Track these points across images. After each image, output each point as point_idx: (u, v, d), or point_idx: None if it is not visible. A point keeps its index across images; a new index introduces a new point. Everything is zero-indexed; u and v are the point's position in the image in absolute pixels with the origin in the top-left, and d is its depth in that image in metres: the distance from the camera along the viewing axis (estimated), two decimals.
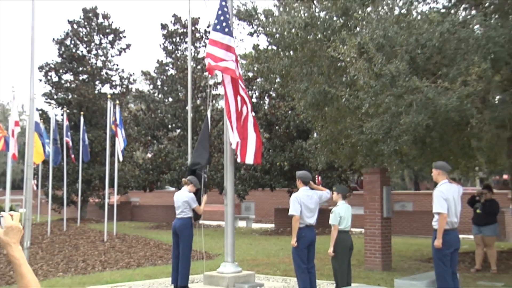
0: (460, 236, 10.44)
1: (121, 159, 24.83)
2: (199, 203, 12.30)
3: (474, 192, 18.07)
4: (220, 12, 11.93)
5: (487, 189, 16.38)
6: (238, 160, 12.09)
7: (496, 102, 14.16)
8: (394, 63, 12.30)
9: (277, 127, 30.26)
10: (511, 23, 13.14)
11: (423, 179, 50.18)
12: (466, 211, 13.10)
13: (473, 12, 15.29)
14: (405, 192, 43.13)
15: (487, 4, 15.34)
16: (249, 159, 11.91)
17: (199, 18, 36.36)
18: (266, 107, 31.46)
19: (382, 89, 12.58)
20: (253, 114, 12.36)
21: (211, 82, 34.82)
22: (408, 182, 55.09)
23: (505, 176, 37.98)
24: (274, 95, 30.90)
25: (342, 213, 10.99)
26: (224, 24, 11.79)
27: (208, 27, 35.90)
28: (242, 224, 35.22)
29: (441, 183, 10.08)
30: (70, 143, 27.28)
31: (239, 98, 11.95)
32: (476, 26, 13.31)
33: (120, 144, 23.93)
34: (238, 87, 11.86)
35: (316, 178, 27.78)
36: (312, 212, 10.48)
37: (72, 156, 27.28)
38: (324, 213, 14.45)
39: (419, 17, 13.82)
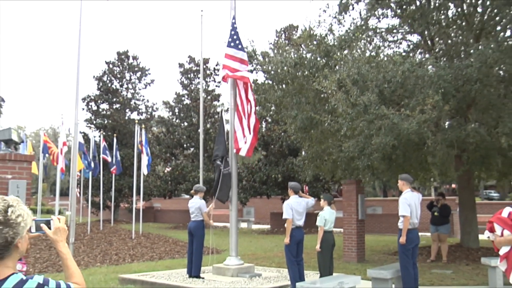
0: (420, 233, 10.44)
1: (146, 172, 24.78)
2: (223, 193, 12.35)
3: (432, 198, 18.09)
4: (233, 32, 12.04)
5: (442, 196, 16.43)
6: (244, 154, 12.18)
7: (446, 126, 14.22)
8: (366, 95, 12.37)
9: (272, 146, 30.29)
10: (456, 64, 13.25)
11: (390, 188, 50.12)
12: (424, 214, 13.09)
13: (427, 55, 15.43)
14: (376, 198, 43.01)
15: (437, 50, 15.50)
16: (243, 152, 11.98)
17: (209, 58, 36.52)
18: (263, 130, 31.47)
19: (357, 116, 12.63)
20: (256, 116, 12.41)
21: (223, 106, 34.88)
22: (378, 191, 55.05)
23: (453, 185, 37.97)
24: (270, 120, 30.92)
25: (327, 216, 11.00)
26: (237, 42, 11.93)
27: (216, 65, 36.02)
28: (244, 225, 35.07)
29: (405, 191, 10.09)
30: (109, 159, 27.26)
31: (249, 101, 12.11)
32: (430, 67, 13.45)
33: (145, 160, 24.06)
34: (248, 92, 12.00)
35: (304, 188, 27.72)
36: (301, 215, 10.50)
37: (113, 168, 27.18)
38: (310, 216, 14.42)
39: (385, 58, 13.89)
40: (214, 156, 12.76)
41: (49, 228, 2.63)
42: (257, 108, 28.54)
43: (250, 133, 12.08)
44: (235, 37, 12.00)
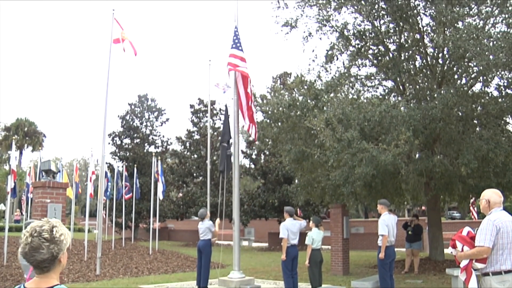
0: (396, 249, 10.49)
1: (161, 197, 24.83)
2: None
3: (406, 219, 18.12)
4: (235, 37, 12.42)
5: (416, 217, 16.47)
6: (252, 136, 12.39)
7: (416, 158, 14.36)
8: (349, 132, 12.54)
9: (270, 175, 30.31)
10: (423, 106, 13.47)
11: (370, 210, 49.97)
12: (400, 232, 13.13)
13: (400, 98, 15.63)
14: (358, 220, 42.85)
15: (408, 94, 15.72)
16: (252, 136, 12.62)
17: (215, 100, 36.73)
18: (262, 161, 31.58)
19: (342, 149, 12.76)
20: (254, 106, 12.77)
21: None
22: (361, 212, 54.84)
23: (423, 207, 37.99)
24: (267, 153, 31.02)
25: (314, 236, 11.07)
26: (238, 44, 12.34)
27: (225, 106, 36.16)
28: (245, 243, 34.80)
29: (384, 214, 10.19)
30: (129, 186, 27.30)
31: (247, 93, 12.34)
32: (402, 108, 13.64)
33: (160, 187, 24.18)
34: (247, 84, 12.29)
35: (297, 211, 27.71)
36: (295, 235, 10.57)
37: (129, 195, 27.21)
38: (303, 236, 14.42)
39: (365, 101, 14.13)
40: (221, 140, 12.93)
41: None
42: (256, 143, 28.66)
43: (250, 121, 12.38)
44: (236, 40, 12.44)
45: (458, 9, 13.18)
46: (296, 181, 24.09)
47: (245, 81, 12.34)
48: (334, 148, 12.80)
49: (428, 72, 15.40)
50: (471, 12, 13.87)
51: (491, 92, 14.64)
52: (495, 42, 12.01)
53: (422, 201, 16.84)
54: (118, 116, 37.23)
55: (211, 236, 12.30)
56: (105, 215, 31.49)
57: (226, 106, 13.01)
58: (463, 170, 12.59)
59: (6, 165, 50.47)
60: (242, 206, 28.95)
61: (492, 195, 5.27)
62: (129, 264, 18.61)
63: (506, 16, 13.02)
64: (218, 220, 13.04)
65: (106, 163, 31.13)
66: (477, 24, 13.18)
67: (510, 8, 12.93)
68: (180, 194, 38.08)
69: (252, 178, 36.19)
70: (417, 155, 14.63)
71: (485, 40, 12.21)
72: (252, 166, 33.67)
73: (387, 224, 9.99)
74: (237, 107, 12.50)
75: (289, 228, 10.44)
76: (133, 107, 37.76)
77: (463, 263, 5.22)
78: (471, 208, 28.99)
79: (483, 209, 5.32)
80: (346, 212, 16.21)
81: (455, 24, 13.36)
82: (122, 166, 30.58)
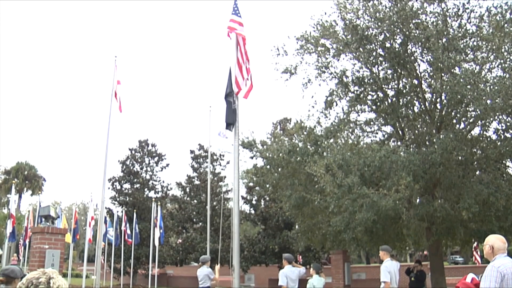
0: None
1: (157, 244, 24.56)
2: None
3: (409, 264, 17.83)
4: (235, 6, 12.62)
5: (418, 263, 16.21)
6: (235, 90, 12.15)
7: (417, 203, 14.28)
8: (350, 177, 12.52)
9: (270, 221, 30.12)
10: (423, 151, 13.52)
11: (372, 256, 49.37)
12: (403, 278, 12.89)
13: (399, 143, 15.67)
14: (360, 265, 42.23)
15: (407, 139, 15.78)
16: (242, 94, 11.88)
17: (215, 146, 36.84)
18: (262, 207, 31.40)
19: (342, 195, 12.72)
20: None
21: (224, 187, 34.82)
22: (362, 258, 54.14)
23: (425, 252, 37.52)
24: (268, 198, 30.88)
25: (315, 283, 10.87)
26: (237, 10, 12.57)
27: (225, 153, 36.29)
28: None
29: (386, 260, 10.05)
30: (128, 232, 27.05)
31: (246, 52, 12.39)
32: (402, 153, 13.66)
33: (157, 233, 24.03)
34: (244, 46, 12.24)
35: (298, 257, 27.36)
36: (294, 282, 10.41)
37: (128, 240, 26.92)
38: (304, 283, 14.16)
39: (365, 146, 14.16)
40: (226, 94, 12.88)
41: None
42: (256, 188, 28.54)
43: (248, 80, 12.36)
44: (235, 7, 12.69)
45: (454, 55, 13.42)
46: (297, 227, 23.89)
47: (244, 42, 12.71)
48: (335, 194, 12.76)
49: (427, 117, 15.52)
50: (467, 58, 14.12)
51: (489, 136, 14.72)
52: (491, 87, 12.18)
53: (424, 246, 16.64)
54: (119, 161, 37.36)
55: (210, 284, 12.08)
56: (104, 260, 31.07)
57: (230, 68, 13.10)
58: (465, 214, 12.52)
59: (5, 208, 50.21)
60: (242, 252, 28.60)
61: (496, 241, 5.21)
62: None
63: (502, 61, 13.25)
64: (218, 266, 12.86)
65: (106, 208, 30.95)
66: (474, 69, 13.40)
67: (505, 53, 13.17)
68: (180, 240, 37.67)
69: (252, 224, 35.93)
70: (417, 200, 14.56)
71: (482, 85, 12.38)
72: (252, 211, 33.48)
73: (389, 270, 9.83)
74: (235, 68, 12.66)
75: (288, 275, 10.29)
76: (133, 152, 37.92)
77: None
78: (474, 252, 28.70)
79: (487, 255, 5.25)
80: (348, 258, 16.01)
81: (452, 70, 13.58)
82: (122, 211, 30.39)
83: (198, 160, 37.30)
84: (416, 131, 15.97)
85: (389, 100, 15.90)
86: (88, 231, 21.64)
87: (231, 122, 12.31)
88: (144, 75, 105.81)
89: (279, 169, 16.28)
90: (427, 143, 14.94)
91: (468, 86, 12.20)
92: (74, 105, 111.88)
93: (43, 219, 11.07)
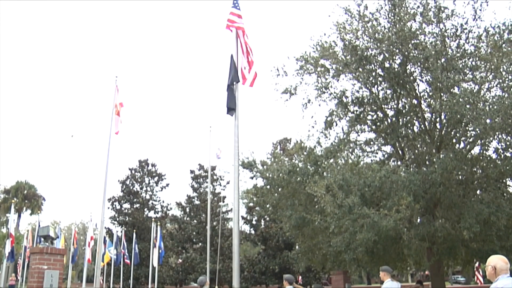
0: None
1: (156, 264, 24.37)
2: None
3: (411, 285, 17.69)
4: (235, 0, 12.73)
5: (419, 283, 16.09)
6: (240, 81, 12.13)
7: (418, 223, 14.22)
8: (350, 197, 12.49)
9: (270, 241, 29.98)
10: (423, 171, 13.50)
11: (373, 276, 49.04)
12: None
13: (399, 163, 15.65)
14: (361, 286, 41.87)
15: (407, 158, 15.78)
16: (248, 83, 12.18)
17: (215, 166, 36.76)
18: (262, 227, 31.27)
19: (343, 215, 12.66)
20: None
21: (223, 207, 34.69)
22: (364, 278, 53.81)
23: (427, 272, 37.26)
24: (268, 219, 30.77)
25: None
26: (236, 4, 12.64)
27: (224, 173, 36.22)
28: None
29: (386, 281, 9.95)
30: (126, 252, 26.91)
31: (245, 48, 12.36)
32: (402, 173, 13.63)
33: (157, 254, 23.89)
34: (244, 37, 12.44)
35: (298, 278, 27.13)
36: None
37: (127, 261, 26.77)
38: None
39: (365, 166, 14.14)
40: (230, 81, 12.85)
41: None
42: (257, 208, 28.42)
43: (251, 68, 12.37)
44: (235, 1, 12.71)
45: (453, 75, 13.48)
46: (297, 247, 23.74)
47: (243, 34, 12.75)
48: (335, 214, 12.70)
49: (427, 137, 15.52)
50: (466, 78, 14.18)
51: (490, 155, 14.69)
52: (491, 106, 12.21)
53: (425, 266, 16.53)
54: (118, 180, 37.42)
55: None
56: (103, 280, 30.81)
57: (231, 56, 13.12)
58: (466, 234, 12.44)
59: (4, 228, 50.02)
60: (242, 273, 28.39)
61: (498, 261, 5.17)
62: None
63: (500, 80, 13.31)
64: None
65: (105, 227, 30.80)
66: (473, 89, 13.45)
67: (503, 73, 13.24)
68: (179, 260, 37.45)
69: (252, 244, 35.74)
70: (418, 220, 14.49)
71: (481, 105, 12.41)
72: (252, 231, 33.33)
73: None
74: (237, 58, 12.65)
75: None
76: (133, 172, 37.96)
77: None
78: (476, 272, 28.48)
79: (489, 276, 5.20)
80: (348, 279, 15.90)
81: (451, 90, 13.62)
82: (121, 231, 30.25)
83: (198, 180, 37.29)
84: (416, 151, 15.96)
85: (389, 120, 15.92)
86: (87, 251, 21.55)
87: (233, 107, 12.40)
88: (145, 95, 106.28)
89: (279, 189, 16.22)
90: (427, 162, 14.91)
91: (467, 106, 12.23)
92: (74, 125, 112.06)
93: (42, 239, 11.01)
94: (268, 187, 16.97)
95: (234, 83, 12.51)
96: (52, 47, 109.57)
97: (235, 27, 13.00)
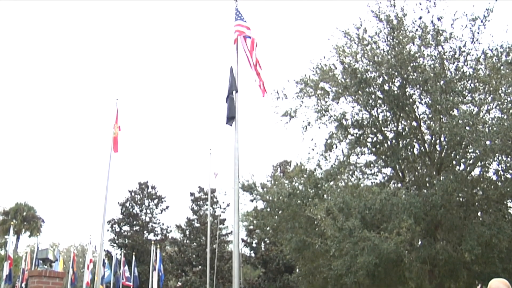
0: None
1: (156, 287, 24.16)
2: None
3: None
4: (238, 12, 12.73)
5: None
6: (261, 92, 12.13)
7: (419, 245, 14.14)
8: (350, 220, 12.46)
9: (270, 264, 29.76)
10: (423, 193, 13.50)
11: None
12: None
13: (399, 185, 15.65)
14: None
15: (407, 181, 15.77)
16: (263, 94, 12.07)
17: (215, 189, 36.66)
18: (262, 250, 31.09)
19: (343, 238, 12.62)
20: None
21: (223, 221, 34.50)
22: None
23: None
24: (268, 241, 30.59)
25: None
26: (242, 17, 12.68)
27: (225, 194, 36.07)
28: None
29: None
30: (127, 274, 26.66)
31: (254, 59, 12.34)
32: (402, 195, 13.60)
33: (156, 277, 23.73)
34: (253, 47, 12.44)
35: None
36: None
37: (128, 283, 26.49)
38: None
39: (365, 188, 14.13)
40: (229, 91, 12.78)
41: None
42: (257, 231, 28.24)
43: (260, 79, 12.34)
44: (240, 14, 12.82)
45: (452, 97, 13.55)
46: (298, 270, 23.60)
47: (252, 45, 12.74)
48: (336, 237, 12.66)
49: (427, 159, 15.54)
50: (465, 100, 14.25)
51: (490, 177, 14.68)
52: (490, 128, 12.25)
53: None
54: (118, 203, 37.26)
55: None
56: None
57: (231, 67, 13.12)
58: (467, 256, 12.38)
59: (2, 250, 49.70)
60: None
61: (499, 285, 5.13)
62: None
63: (499, 102, 13.38)
64: None
65: (104, 250, 30.60)
66: (472, 111, 13.52)
67: (502, 95, 13.31)
68: (179, 283, 37.09)
69: (252, 267, 35.46)
70: (419, 243, 14.43)
71: (481, 126, 12.46)
72: (253, 254, 33.11)
73: None
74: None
75: None
76: (133, 194, 37.86)
77: None
78: None
79: None
80: None
81: (451, 112, 13.68)
82: (121, 254, 30.01)
83: (198, 202, 37.14)
84: (416, 173, 15.95)
85: (389, 142, 15.94)
86: (86, 273, 21.35)
87: (233, 115, 12.43)
88: (145, 118, 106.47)
89: (280, 212, 16.19)
90: (427, 185, 14.89)
91: (467, 128, 12.28)
92: (74, 146, 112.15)
93: (41, 262, 10.91)
94: (268, 209, 16.94)
95: (234, 92, 12.61)
96: (51, 67, 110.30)
97: (243, 37, 13.08)
